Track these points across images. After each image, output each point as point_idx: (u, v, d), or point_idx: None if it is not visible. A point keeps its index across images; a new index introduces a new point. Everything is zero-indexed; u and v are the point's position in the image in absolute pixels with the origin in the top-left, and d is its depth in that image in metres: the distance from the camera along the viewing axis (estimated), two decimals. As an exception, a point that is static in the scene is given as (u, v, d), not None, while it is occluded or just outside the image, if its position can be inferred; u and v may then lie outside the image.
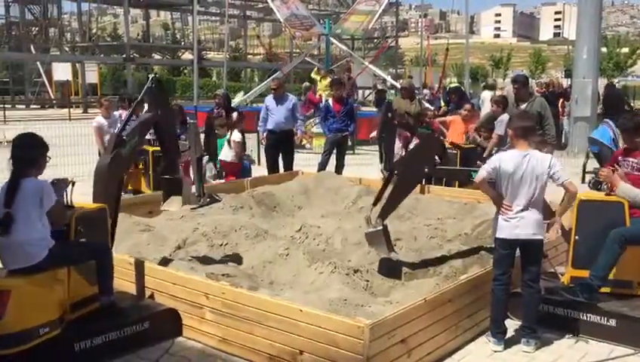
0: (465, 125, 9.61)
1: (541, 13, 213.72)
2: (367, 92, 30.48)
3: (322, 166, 9.96)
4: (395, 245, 5.59)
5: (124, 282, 4.83)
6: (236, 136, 9.18)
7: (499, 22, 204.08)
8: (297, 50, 38.84)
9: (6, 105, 25.83)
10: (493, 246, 4.70)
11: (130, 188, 9.21)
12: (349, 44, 35.50)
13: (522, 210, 4.35)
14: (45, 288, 3.97)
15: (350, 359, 3.71)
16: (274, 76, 22.02)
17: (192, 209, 6.72)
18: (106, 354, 4.17)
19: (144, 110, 9.62)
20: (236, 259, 5.63)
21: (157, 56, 45.85)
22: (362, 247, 5.59)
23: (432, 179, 8.29)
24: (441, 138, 8.02)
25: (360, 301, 4.65)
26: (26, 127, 5.63)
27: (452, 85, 16.99)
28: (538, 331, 4.51)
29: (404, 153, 8.74)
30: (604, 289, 4.74)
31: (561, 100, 17.93)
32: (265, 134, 9.83)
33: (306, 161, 11.75)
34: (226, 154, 9.21)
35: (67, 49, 40.32)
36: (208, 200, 6.30)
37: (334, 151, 10.11)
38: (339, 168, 10.03)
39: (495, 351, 4.43)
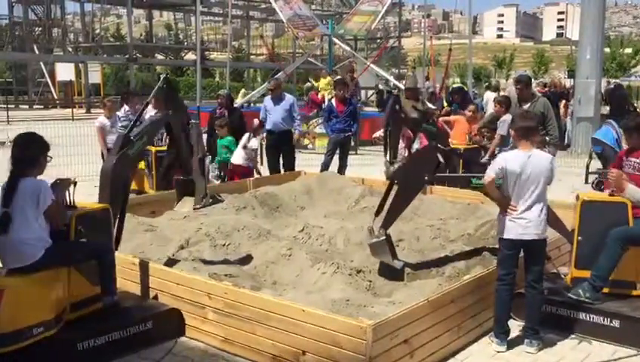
0: (469, 126, 9.61)
1: (544, 14, 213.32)
2: (370, 92, 30.46)
3: (325, 166, 9.97)
4: (397, 246, 5.60)
5: (127, 282, 4.84)
6: (254, 143, 9.35)
7: (502, 22, 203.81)
8: (300, 51, 38.83)
9: (9, 106, 25.86)
10: (496, 246, 4.70)
11: (134, 188, 9.22)
12: (352, 45, 35.48)
13: (527, 210, 4.35)
14: (40, 288, 3.97)
15: (353, 359, 3.71)
16: (277, 76, 22.04)
17: (194, 209, 6.72)
18: (108, 354, 4.18)
19: (147, 109, 9.67)
20: (239, 259, 5.64)
21: (160, 57, 45.88)
22: (365, 248, 5.58)
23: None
24: (441, 147, 8.00)
25: (363, 301, 4.64)
26: (30, 127, 5.64)
27: (455, 85, 16.96)
28: (541, 332, 4.50)
29: (406, 153, 8.73)
30: (607, 290, 4.74)
31: (563, 101, 17.91)
32: (264, 134, 9.91)
33: (308, 162, 11.75)
34: (237, 157, 9.31)
35: (70, 49, 40.37)
36: (211, 200, 6.29)
37: (337, 151, 10.12)
38: (342, 168, 10.04)
39: (498, 352, 4.42)
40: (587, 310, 4.65)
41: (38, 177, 4.09)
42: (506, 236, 4.42)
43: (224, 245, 5.94)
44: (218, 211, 6.97)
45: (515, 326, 4.64)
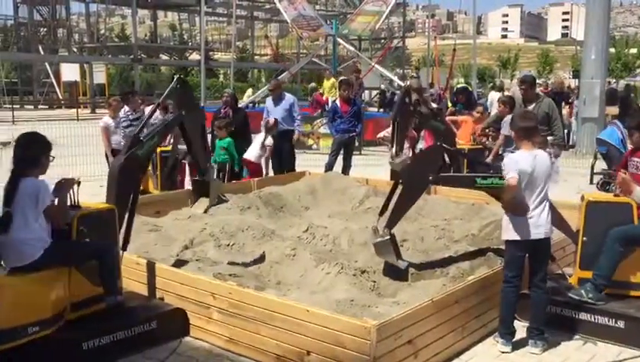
0: (475, 126, 9.61)
1: (549, 14, 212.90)
2: (374, 92, 30.46)
3: (329, 166, 9.98)
4: (402, 246, 5.59)
5: (131, 282, 4.85)
6: (269, 141, 9.44)
7: (506, 22, 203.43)
8: (304, 51, 38.86)
9: (14, 106, 25.96)
10: (500, 247, 4.70)
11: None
12: (356, 45, 35.48)
13: (536, 209, 4.34)
14: (36, 287, 3.97)
15: (357, 359, 3.71)
16: (281, 76, 22.05)
17: (207, 209, 6.73)
18: (113, 354, 4.19)
19: (147, 110, 9.66)
20: (243, 259, 5.64)
21: (164, 57, 45.93)
22: (369, 248, 5.58)
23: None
24: (445, 146, 7.99)
25: (367, 301, 4.64)
26: (34, 128, 5.65)
27: (459, 85, 16.97)
28: (546, 332, 4.49)
29: (410, 154, 8.72)
30: (612, 291, 4.73)
31: (566, 107, 17.88)
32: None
33: (313, 162, 11.75)
34: (252, 153, 9.43)
35: (75, 50, 40.48)
36: (216, 200, 6.30)
37: (341, 151, 10.13)
38: (346, 169, 10.05)
39: (503, 352, 4.42)
40: (592, 311, 4.64)
41: (41, 177, 4.10)
42: (515, 238, 4.38)
43: (228, 245, 5.95)
44: (222, 211, 6.98)
45: (520, 327, 4.63)
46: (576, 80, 29.40)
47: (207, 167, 5.59)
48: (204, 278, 4.66)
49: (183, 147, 7.91)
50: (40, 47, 36.82)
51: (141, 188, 9.13)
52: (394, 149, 7.27)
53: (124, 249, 4.81)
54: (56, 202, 4.07)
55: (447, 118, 10.56)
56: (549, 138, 7.32)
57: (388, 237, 5.17)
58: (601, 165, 11.14)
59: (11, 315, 3.82)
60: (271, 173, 9.91)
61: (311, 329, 3.90)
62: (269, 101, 10.15)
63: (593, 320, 4.64)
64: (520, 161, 4.36)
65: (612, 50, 47.07)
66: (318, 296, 4.75)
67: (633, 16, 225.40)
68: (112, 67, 43.33)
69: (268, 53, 49.42)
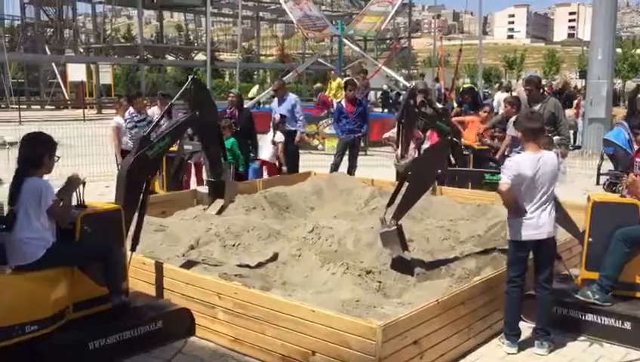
0: (482, 126, 9.58)
1: (555, 14, 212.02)
2: (379, 93, 30.45)
3: (335, 167, 9.98)
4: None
5: (137, 282, 4.86)
6: (279, 137, 9.51)
7: (512, 22, 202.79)
8: (310, 52, 38.86)
9: (21, 106, 26.01)
10: (506, 247, 4.68)
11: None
12: (362, 45, 35.45)
13: (538, 210, 4.33)
14: (35, 286, 3.98)
15: (362, 360, 3.71)
16: (288, 76, 22.05)
17: (204, 209, 6.74)
18: (119, 353, 4.20)
19: (150, 110, 9.65)
20: (248, 259, 5.64)
21: (170, 58, 45.99)
22: (374, 248, 5.58)
23: (445, 178, 8.25)
24: (455, 140, 7.98)
25: (372, 302, 4.64)
26: (41, 128, 5.67)
27: (465, 86, 16.91)
28: (552, 333, 4.48)
29: (416, 154, 8.71)
30: (619, 293, 4.71)
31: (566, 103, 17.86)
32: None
33: (318, 162, 11.75)
34: (266, 153, 9.54)
35: (82, 50, 40.58)
36: (231, 201, 6.28)
37: (347, 152, 10.12)
38: (351, 169, 10.05)
39: (509, 354, 4.41)
40: (598, 312, 4.63)
41: (46, 177, 4.12)
42: (517, 238, 4.39)
43: (234, 245, 5.96)
44: (228, 211, 6.96)
45: (526, 328, 4.62)
46: (583, 80, 29.29)
47: (222, 168, 5.56)
48: (209, 278, 4.66)
49: (188, 147, 7.93)
50: (47, 48, 36.93)
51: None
52: (399, 151, 7.28)
53: (133, 250, 4.82)
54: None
55: (454, 119, 10.55)
56: (555, 138, 7.30)
57: (394, 228, 5.19)
58: (607, 166, 11.10)
59: (10, 313, 3.83)
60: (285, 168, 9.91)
61: (316, 329, 3.90)
62: (275, 101, 10.31)
63: (600, 321, 4.62)
64: (521, 164, 4.35)
65: (619, 50, 46.82)
66: (324, 296, 4.76)
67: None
68: (118, 67, 43.46)
69: (273, 53, 49.47)
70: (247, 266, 5.41)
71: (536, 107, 7.61)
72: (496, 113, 11.48)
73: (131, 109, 9.40)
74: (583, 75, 35.97)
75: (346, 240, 5.94)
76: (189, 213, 7.06)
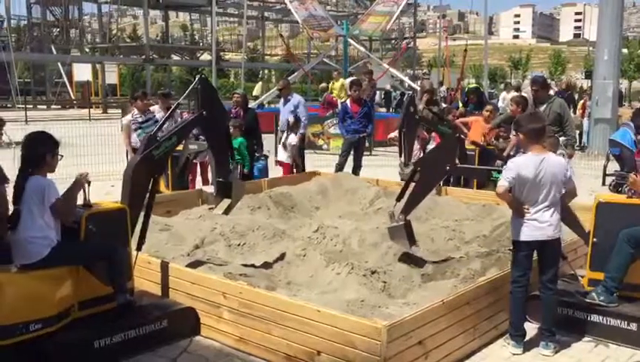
0: (486, 126, 9.55)
1: (561, 14, 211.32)
2: (383, 93, 30.44)
3: (340, 167, 9.98)
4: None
5: (143, 281, 4.87)
6: (292, 138, 9.60)
7: (518, 23, 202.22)
8: (315, 51, 38.84)
9: (27, 106, 26.09)
10: (511, 248, 4.67)
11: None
12: (367, 45, 35.45)
13: (540, 212, 4.31)
14: (39, 285, 3.99)
15: (367, 360, 3.70)
16: (294, 75, 22.07)
17: (210, 208, 6.76)
18: (124, 352, 4.21)
19: (155, 109, 9.64)
20: (254, 259, 5.65)
21: (176, 57, 46.10)
22: (380, 248, 5.58)
23: (451, 178, 8.24)
24: (462, 136, 7.99)
25: (377, 302, 4.64)
26: (47, 127, 5.67)
27: (470, 86, 16.89)
28: (557, 334, 4.47)
29: (421, 154, 8.71)
30: (625, 294, 4.69)
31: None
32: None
33: (323, 162, 11.76)
34: (282, 155, 9.69)
35: (87, 50, 40.73)
36: (238, 202, 6.28)
37: (352, 152, 10.12)
38: (356, 169, 10.04)
39: (514, 354, 4.40)
40: (604, 313, 4.61)
41: (50, 175, 4.14)
42: (519, 238, 4.38)
43: (239, 245, 5.96)
44: (233, 211, 6.98)
45: (531, 329, 4.61)
46: (589, 81, 29.21)
47: (230, 169, 5.56)
48: (214, 278, 4.67)
49: (194, 146, 7.94)
50: (53, 48, 37.10)
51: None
52: (402, 159, 7.27)
53: (139, 249, 4.83)
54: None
55: (458, 120, 10.53)
56: (561, 139, 7.28)
57: (403, 222, 5.20)
58: (613, 166, 11.06)
59: (14, 312, 3.84)
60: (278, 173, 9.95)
61: (321, 329, 3.90)
62: (281, 101, 10.47)
63: (605, 322, 4.60)
64: (522, 166, 4.32)
65: (625, 50, 46.69)
66: (329, 296, 4.76)
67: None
68: (123, 67, 43.61)
69: (279, 53, 49.47)
70: (252, 266, 5.42)
71: (542, 107, 7.59)
72: (501, 114, 11.45)
73: (135, 110, 9.40)
74: (588, 75, 35.83)
75: (351, 240, 5.94)
76: (194, 213, 7.08)
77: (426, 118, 8.52)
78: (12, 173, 4.25)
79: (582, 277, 5.04)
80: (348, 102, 10.56)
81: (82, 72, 34.70)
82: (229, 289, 4.43)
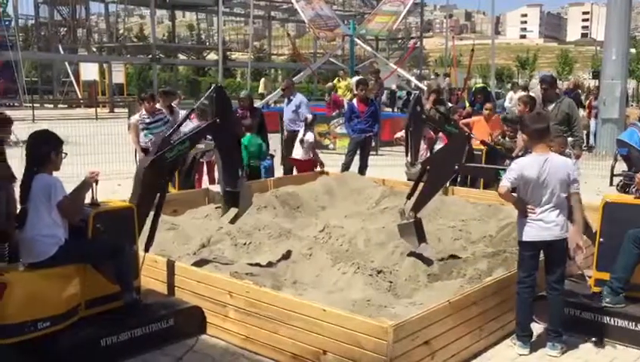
0: (489, 125, 9.53)
1: (568, 14, 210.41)
2: (389, 93, 30.38)
3: (346, 166, 9.98)
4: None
5: (149, 280, 4.88)
6: (309, 136, 9.55)
7: (525, 22, 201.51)
8: (321, 51, 38.86)
9: (35, 105, 26.20)
10: (518, 248, 4.66)
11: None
12: (373, 45, 35.41)
13: (545, 212, 4.30)
14: (48, 283, 4.01)
15: (374, 360, 3.70)
16: (301, 74, 22.09)
17: (216, 208, 6.77)
18: (131, 350, 4.22)
19: (155, 108, 9.63)
20: (260, 258, 5.65)
21: (182, 57, 46.19)
22: (386, 248, 5.57)
23: (457, 178, 8.22)
24: (472, 135, 7.96)
25: (383, 302, 4.63)
26: (54, 126, 5.70)
27: (477, 86, 16.87)
28: (564, 335, 4.45)
29: (428, 154, 8.69)
30: (631, 294, 4.67)
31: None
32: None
33: (329, 162, 11.74)
34: (298, 152, 9.60)
35: (94, 49, 40.83)
36: (245, 211, 6.29)
37: (358, 151, 10.12)
38: (362, 169, 10.03)
39: (520, 355, 4.38)
40: (611, 313, 4.59)
41: (55, 174, 4.15)
42: (525, 238, 4.37)
43: (245, 244, 5.97)
44: (239, 210, 7.01)
45: (538, 329, 4.59)
46: (596, 81, 29.09)
47: (237, 178, 5.58)
48: (221, 277, 4.68)
49: (200, 146, 7.94)
50: (60, 47, 37.23)
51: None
52: (409, 158, 7.27)
53: (147, 250, 4.84)
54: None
55: (461, 122, 10.51)
56: (569, 139, 7.25)
57: (413, 220, 5.20)
58: (621, 167, 11.00)
59: (22, 310, 3.86)
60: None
61: (327, 328, 3.90)
62: (285, 100, 10.48)
63: (612, 322, 4.58)
64: (525, 167, 4.31)
65: (633, 50, 46.42)
66: (335, 295, 4.75)
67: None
68: (130, 67, 43.65)
69: (285, 52, 49.47)
70: (258, 265, 5.42)
71: (550, 107, 7.57)
72: (507, 113, 11.43)
73: (143, 111, 9.41)
74: (596, 75, 35.68)
75: (357, 240, 5.94)
76: (201, 212, 7.09)
77: (432, 118, 8.50)
78: (20, 172, 4.27)
79: (589, 277, 5.01)
80: (354, 101, 10.56)
81: (89, 71, 34.80)
82: (235, 288, 4.44)
